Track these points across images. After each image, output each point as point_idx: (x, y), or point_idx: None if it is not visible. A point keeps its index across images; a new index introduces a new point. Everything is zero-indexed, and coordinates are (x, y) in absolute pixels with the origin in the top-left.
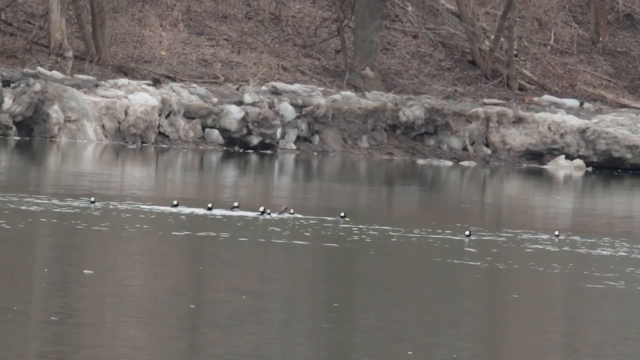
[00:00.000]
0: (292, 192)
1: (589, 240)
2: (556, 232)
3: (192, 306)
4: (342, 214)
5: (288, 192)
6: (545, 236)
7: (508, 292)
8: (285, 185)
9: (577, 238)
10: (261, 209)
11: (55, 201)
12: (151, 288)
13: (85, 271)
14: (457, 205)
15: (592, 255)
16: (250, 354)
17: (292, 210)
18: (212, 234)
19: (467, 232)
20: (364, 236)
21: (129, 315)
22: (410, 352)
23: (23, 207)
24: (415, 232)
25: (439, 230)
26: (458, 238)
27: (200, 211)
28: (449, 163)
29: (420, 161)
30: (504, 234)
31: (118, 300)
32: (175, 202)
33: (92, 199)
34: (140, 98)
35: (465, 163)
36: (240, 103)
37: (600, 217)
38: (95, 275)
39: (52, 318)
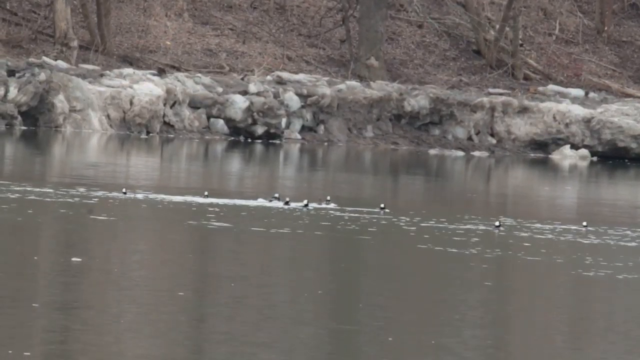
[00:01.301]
0: (317, 183)
1: (617, 231)
2: (584, 223)
3: (181, 293)
4: (382, 205)
5: (313, 183)
6: (573, 227)
7: (532, 284)
8: (306, 176)
9: (604, 229)
10: (287, 199)
11: (82, 192)
12: (141, 277)
13: (73, 259)
14: (482, 195)
15: (627, 247)
16: (234, 339)
17: (320, 202)
18: (254, 226)
19: (496, 223)
20: (406, 228)
21: (104, 301)
22: (390, 338)
23: (47, 199)
24: (454, 222)
25: (473, 221)
26: (490, 229)
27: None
28: (460, 153)
29: (432, 151)
30: (531, 225)
31: (101, 286)
32: (206, 193)
33: (124, 190)
34: (145, 88)
35: (476, 153)
36: (245, 93)
37: (619, 208)
38: (82, 263)
39: (33, 305)
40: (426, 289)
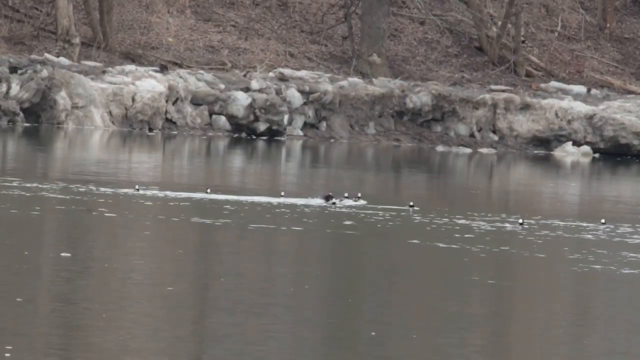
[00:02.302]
0: (333, 181)
1: (637, 228)
2: (602, 220)
3: (170, 288)
4: (411, 204)
5: (329, 180)
6: (591, 224)
7: (572, 283)
8: (325, 173)
9: (622, 226)
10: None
11: (100, 189)
12: (130, 272)
13: (63, 254)
14: (503, 192)
15: None
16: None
17: (341, 199)
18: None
19: (520, 220)
20: (443, 226)
21: (88, 295)
22: (373, 333)
23: (53, 196)
24: (482, 220)
25: (497, 219)
26: (509, 225)
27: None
28: (467, 150)
29: (439, 148)
30: (551, 222)
31: (85, 281)
32: (208, 190)
33: (137, 187)
34: (148, 84)
35: (484, 150)
36: (247, 89)
37: (630, 205)
38: (71, 258)
39: (17, 299)
40: (444, 286)
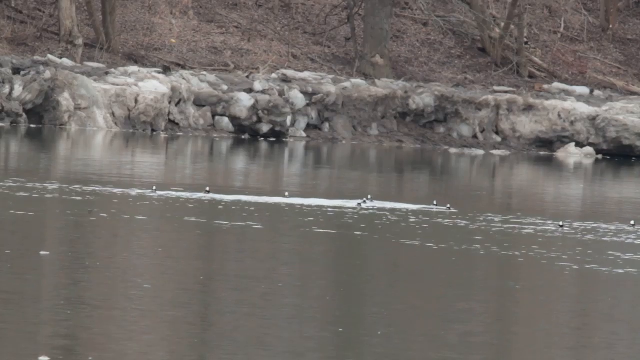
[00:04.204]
0: (362, 181)
1: None
2: (632, 222)
3: (147, 286)
4: (448, 206)
5: (360, 181)
6: (621, 226)
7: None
8: (348, 175)
9: None
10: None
11: (116, 190)
12: (106, 271)
13: (42, 252)
14: (513, 192)
15: None
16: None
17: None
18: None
19: (560, 223)
20: (483, 229)
21: (59, 292)
22: (340, 329)
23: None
24: (520, 222)
25: (537, 221)
26: (552, 228)
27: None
28: (480, 151)
29: (453, 150)
30: (586, 224)
31: (60, 278)
32: (207, 189)
33: (154, 188)
34: (151, 86)
35: (496, 152)
36: (250, 91)
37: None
38: (50, 257)
39: None
40: (436, 289)
